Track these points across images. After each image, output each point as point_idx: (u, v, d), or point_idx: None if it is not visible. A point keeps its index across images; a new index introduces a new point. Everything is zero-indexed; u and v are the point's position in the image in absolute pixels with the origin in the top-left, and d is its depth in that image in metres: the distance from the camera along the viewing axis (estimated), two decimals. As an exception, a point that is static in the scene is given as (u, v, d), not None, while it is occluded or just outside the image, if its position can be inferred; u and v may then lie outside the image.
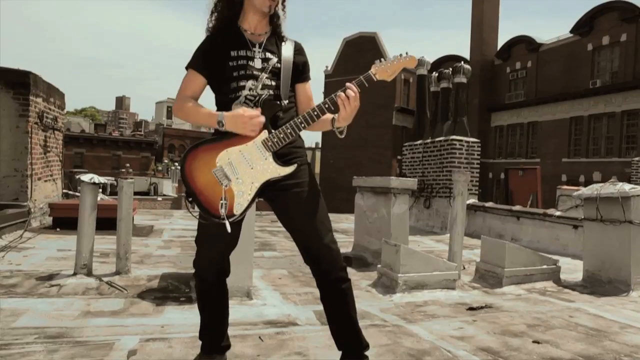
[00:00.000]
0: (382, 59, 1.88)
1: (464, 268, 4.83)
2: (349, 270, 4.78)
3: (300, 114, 1.98)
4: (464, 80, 8.33)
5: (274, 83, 1.91)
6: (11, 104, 6.34)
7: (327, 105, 1.81)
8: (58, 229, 6.42)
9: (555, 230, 6.28)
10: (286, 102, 1.92)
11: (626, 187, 4.10)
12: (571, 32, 24.44)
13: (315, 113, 1.81)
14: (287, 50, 1.98)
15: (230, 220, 1.79)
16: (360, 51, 33.27)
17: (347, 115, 1.83)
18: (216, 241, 1.91)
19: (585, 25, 23.63)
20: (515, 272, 4.24)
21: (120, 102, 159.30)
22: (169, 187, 29.11)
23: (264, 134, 1.82)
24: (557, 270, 4.45)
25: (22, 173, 6.40)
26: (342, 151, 32.39)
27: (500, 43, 28.95)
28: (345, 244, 6.43)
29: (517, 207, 7.05)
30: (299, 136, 1.91)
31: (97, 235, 4.18)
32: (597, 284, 4.31)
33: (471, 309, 3.50)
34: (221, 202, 1.78)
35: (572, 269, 5.18)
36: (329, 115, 1.86)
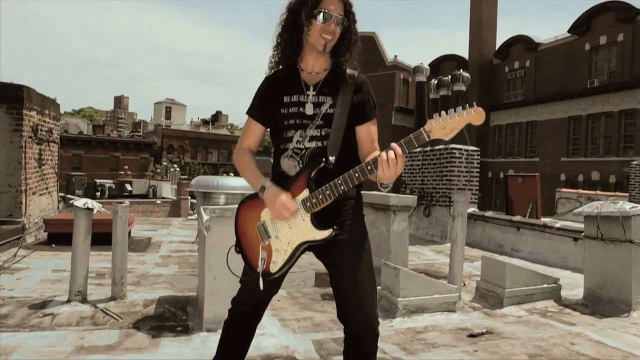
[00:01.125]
0: (443, 112, 1.60)
1: (464, 284, 4.78)
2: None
3: (362, 158, 1.85)
4: (463, 88, 8.28)
5: (324, 133, 1.78)
6: (4, 119, 6.28)
7: (369, 167, 1.65)
8: (53, 245, 6.36)
9: (555, 242, 6.23)
10: (333, 158, 1.74)
11: (626, 206, 4.05)
12: (569, 31, 24.44)
13: (357, 175, 1.66)
14: (345, 90, 1.81)
15: (266, 278, 1.77)
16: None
17: (387, 178, 1.65)
18: (254, 289, 1.82)
19: (583, 25, 23.63)
20: (516, 292, 4.19)
21: (119, 101, 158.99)
22: (168, 190, 29.03)
23: (305, 192, 1.72)
24: (558, 289, 4.40)
25: (16, 188, 6.34)
26: (341, 151, 32.28)
27: (499, 42, 28.96)
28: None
29: (517, 218, 7.00)
30: (354, 184, 1.70)
31: (92, 252, 4.12)
32: (597, 303, 4.26)
33: (472, 335, 3.45)
34: (261, 257, 1.78)
35: (573, 284, 5.13)
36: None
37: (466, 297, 4.47)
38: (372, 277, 1.88)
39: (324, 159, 1.74)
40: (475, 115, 1.55)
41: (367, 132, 1.87)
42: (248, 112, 1.92)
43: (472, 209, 8.02)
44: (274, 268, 1.78)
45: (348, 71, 1.85)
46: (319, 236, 1.73)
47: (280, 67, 1.90)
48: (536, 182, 8.26)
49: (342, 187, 1.68)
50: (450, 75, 8.58)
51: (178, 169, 37.40)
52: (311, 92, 1.82)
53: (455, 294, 3.98)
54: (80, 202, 3.89)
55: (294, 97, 1.82)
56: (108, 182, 26.83)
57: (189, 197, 28.60)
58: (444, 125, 1.58)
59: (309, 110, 1.80)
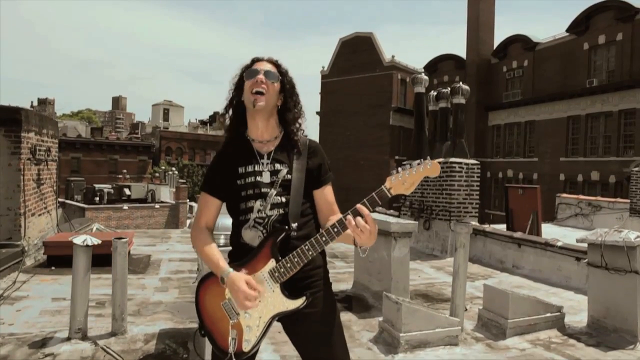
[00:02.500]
0: (399, 169, 1.65)
1: (466, 309, 4.75)
2: (350, 317, 4.73)
3: (322, 222, 1.87)
4: (463, 100, 8.22)
5: (284, 199, 1.78)
6: (2, 142, 6.22)
7: (336, 229, 1.64)
8: (52, 268, 6.32)
9: (557, 260, 6.20)
10: (295, 225, 1.75)
11: (631, 235, 4.02)
12: (567, 31, 24.36)
13: (324, 239, 1.65)
14: (299, 156, 1.83)
15: (239, 359, 1.71)
16: (356, 51, 33.14)
17: (366, 241, 1.63)
18: None
19: (581, 25, 23.55)
20: (519, 322, 4.17)
21: (117, 102, 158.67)
22: (166, 194, 28.97)
23: (272, 263, 1.70)
24: (562, 317, 4.38)
25: (15, 212, 6.29)
26: (340, 151, 32.30)
27: (497, 41, 28.88)
28: (345, 277, 6.35)
29: (519, 234, 6.97)
30: (319, 252, 1.70)
31: (92, 274, 4.08)
32: (602, 332, 4.23)
33: (476, 374, 3.43)
34: (230, 337, 1.70)
35: (576, 308, 5.11)
36: (349, 231, 1.64)
37: (468, 324, 4.45)
38: (346, 350, 1.87)
39: (286, 227, 1.74)
40: (430, 168, 1.64)
41: (325, 196, 1.89)
42: (202, 189, 1.89)
43: (473, 223, 7.99)
44: (247, 346, 1.71)
45: (300, 139, 1.87)
46: (291, 306, 1.71)
47: (230, 139, 1.89)
48: (537, 193, 8.23)
49: (310, 253, 1.68)
50: (450, 87, 8.52)
51: (177, 173, 37.31)
52: (265, 161, 1.82)
53: (457, 327, 3.95)
54: (79, 239, 3.85)
55: (249, 167, 1.81)
56: (107, 187, 26.73)
57: (187, 201, 28.57)
58: (403, 181, 1.64)
59: (266, 178, 1.80)
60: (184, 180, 35.01)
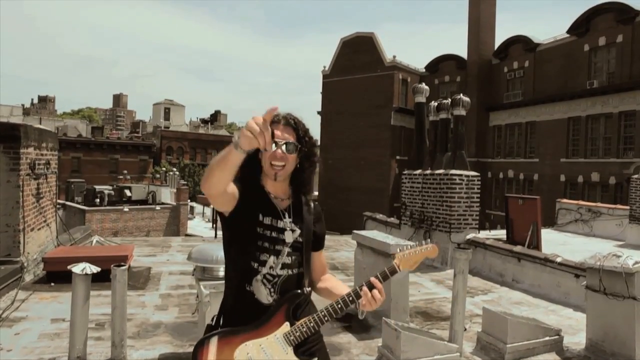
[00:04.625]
0: (405, 247, 1.88)
1: (465, 330, 4.76)
2: (349, 339, 4.73)
3: (315, 280, 1.95)
4: (463, 112, 8.20)
5: (294, 260, 1.81)
6: (1, 159, 6.22)
7: (350, 298, 1.73)
8: (52, 284, 6.33)
9: (556, 276, 6.20)
10: (308, 289, 1.85)
11: (629, 262, 4.01)
12: (568, 32, 24.31)
13: (339, 306, 1.73)
14: (307, 220, 1.86)
15: None
16: (357, 51, 33.08)
17: (370, 309, 1.75)
18: None
19: (582, 26, 23.50)
20: (518, 347, 4.18)
21: (118, 99, 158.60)
22: (167, 195, 28.99)
23: (286, 326, 1.73)
24: (560, 340, 4.38)
25: (14, 228, 6.29)
26: (341, 152, 32.32)
27: (498, 42, 28.83)
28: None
29: (518, 249, 6.96)
30: (338, 316, 1.84)
31: (92, 291, 4.07)
32: (600, 356, 4.24)
33: (474, 405, 3.43)
34: None
35: (575, 327, 5.12)
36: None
37: (467, 347, 4.46)
38: None
39: (298, 291, 1.79)
40: (430, 250, 1.90)
41: (320, 259, 1.97)
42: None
43: (473, 235, 7.99)
44: None
45: (309, 201, 1.92)
46: None
47: (244, 184, 1.77)
48: (537, 204, 8.23)
49: (326, 319, 1.73)
50: (451, 99, 8.50)
51: (177, 173, 37.32)
52: (287, 219, 1.81)
53: (456, 354, 3.95)
54: (78, 268, 3.85)
55: (268, 219, 1.78)
56: (107, 189, 26.76)
57: (188, 202, 28.59)
58: (409, 260, 1.86)
59: (289, 237, 1.80)
60: (185, 182, 35.00)
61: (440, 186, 8.10)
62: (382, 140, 31.83)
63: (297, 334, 1.71)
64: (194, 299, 5.75)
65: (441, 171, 8.21)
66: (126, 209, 24.30)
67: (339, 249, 10.02)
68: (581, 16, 23.46)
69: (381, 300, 1.74)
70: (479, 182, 8.09)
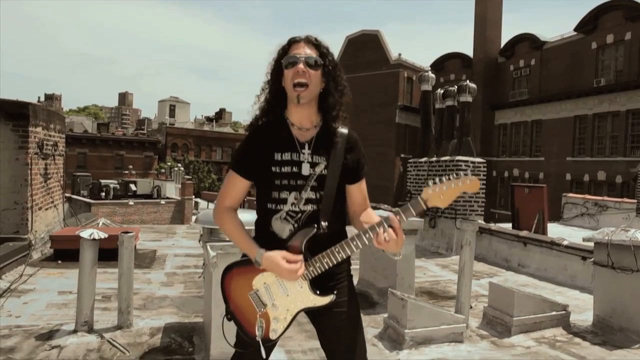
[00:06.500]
0: (437, 180, 1.61)
1: (471, 307, 4.74)
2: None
3: (353, 215, 1.86)
4: (470, 99, 8.19)
5: (318, 196, 1.72)
6: (10, 136, 6.26)
7: (368, 235, 1.64)
8: (59, 261, 6.36)
9: (563, 259, 6.18)
10: (325, 224, 1.70)
11: (638, 234, 4.00)
12: (575, 30, 24.22)
13: (355, 243, 1.66)
14: (337, 150, 1.74)
15: (266, 345, 1.72)
16: (362, 49, 33.10)
17: (392, 248, 1.63)
18: (257, 357, 1.78)
19: (589, 24, 23.42)
20: (524, 320, 4.15)
21: (123, 98, 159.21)
22: (172, 190, 29.08)
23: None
24: (567, 315, 4.36)
25: (23, 205, 6.33)
26: (345, 150, 32.23)
27: (504, 40, 28.76)
28: (349, 274, 6.35)
29: (524, 233, 6.94)
30: (353, 252, 1.70)
31: (98, 269, 4.10)
32: (607, 331, 4.22)
33: (480, 371, 3.42)
34: (257, 326, 1.71)
35: (582, 307, 5.09)
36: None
37: (473, 322, 4.44)
38: (363, 341, 1.89)
39: (316, 225, 1.70)
40: (470, 184, 1.58)
41: (360, 191, 1.84)
42: (233, 167, 1.79)
43: (479, 221, 7.96)
44: (274, 335, 1.73)
45: (339, 129, 1.77)
46: (319, 303, 1.71)
47: (267, 117, 1.78)
48: (543, 193, 8.20)
49: (340, 255, 1.67)
50: (457, 85, 8.49)
51: (182, 169, 37.43)
52: (307, 151, 1.72)
53: (462, 324, 3.94)
54: (86, 232, 3.87)
55: (286, 155, 1.71)
56: (113, 183, 26.89)
57: (193, 197, 28.65)
58: (440, 194, 1.59)
59: (305, 170, 1.71)
60: (190, 177, 35.12)
61: (447, 173, 8.01)
62: (386, 138, 31.81)
63: (311, 268, 1.68)
64: (199, 276, 5.77)
65: (447, 158, 8.20)
66: (131, 203, 24.39)
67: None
68: (589, 14, 23.37)
69: (396, 241, 1.59)
70: (485, 169, 8.07)
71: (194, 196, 29.59)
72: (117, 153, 46.47)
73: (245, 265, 1.76)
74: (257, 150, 1.74)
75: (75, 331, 3.86)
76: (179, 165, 39.54)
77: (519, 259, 6.92)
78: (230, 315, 1.77)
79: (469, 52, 29.47)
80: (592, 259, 4.43)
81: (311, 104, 1.73)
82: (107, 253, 5.50)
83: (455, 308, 4.22)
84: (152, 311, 4.61)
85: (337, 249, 1.67)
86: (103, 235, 3.95)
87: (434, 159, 8.51)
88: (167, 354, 3.58)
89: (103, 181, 27.16)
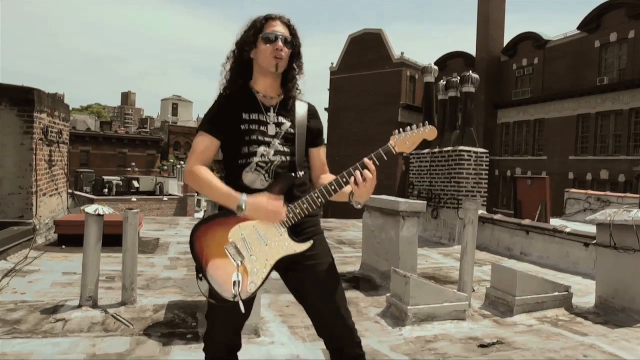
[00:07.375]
0: (401, 130, 1.81)
1: (474, 290, 4.76)
2: (357, 294, 4.75)
3: (315, 179, 1.97)
4: (472, 89, 8.21)
5: (287, 149, 1.85)
6: (16, 122, 6.30)
7: (344, 180, 1.72)
8: (63, 246, 6.40)
9: (565, 247, 6.18)
10: (302, 173, 1.86)
11: (641, 214, 4.00)
12: (578, 28, 24.17)
13: (333, 188, 1.72)
14: (301, 115, 1.92)
15: (244, 299, 1.70)
16: (365, 48, 33.08)
17: (364, 195, 1.74)
18: (228, 319, 1.83)
19: (593, 22, 23.36)
20: (527, 300, 4.17)
21: (126, 97, 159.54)
22: (175, 187, 29.15)
23: None
24: (569, 297, 4.37)
25: (27, 190, 6.37)
26: (348, 148, 32.26)
27: (507, 39, 28.71)
28: (352, 261, 6.38)
29: (527, 222, 6.95)
30: (331, 196, 1.77)
31: (102, 253, 4.13)
32: (610, 312, 4.23)
33: (483, 346, 3.44)
34: (234, 280, 1.67)
35: (584, 291, 5.10)
36: (347, 189, 1.75)
37: (476, 304, 4.45)
38: (342, 289, 1.92)
39: (292, 174, 1.81)
40: (429, 132, 1.83)
41: (319, 156, 2.00)
42: (202, 128, 1.85)
43: (481, 212, 7.97)
44: (252, 288, 1.71)
45: (300, 100, 1.95)
46: (299, 249, 1.75)
47: (234, 87, 1.90)
48: (546, 184, 8.20)
49: (319, 200, 1.74)
50: (460, 76, 8.50)
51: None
52: (272, 114, 1.86)
53: (465, 302, 3.96)
54: (91, 208, 3.90)
55: (254, 115, 1.83)
56: (116, 179, 26.97)
57: (196, 195, 28.69)
58: (405, 141, 1.79)
59: (271, 130, 1.84)
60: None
61: (449, 163, 8.10)
62: (389, 137, 31.70)
63: (291, 215, 1.72)
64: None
65: (450, 148, 8.22)
66: (134, 199, 24.45)
67: (346, 229, 10.03)
68: (592, 12, 23.33)
69: (372, 182, 1.71)
70: (488, 159, 8.08)
71: (196, 193, 29.63)
72: (120, 151, 46.56)
73: (220, 217, 1.76)
74: (226, 112, 1.84)
75: (80, 306, 3.89)
76: (182, 163, 39.60)
77: (521, 247, 6.93)
78: (202, 274, 1.72)
79: (472, 51, 29.44)
80: (595, 241, 4.43)
81: (278, 76, 1.89)
82: (112, 239, 5.52)
83: (458, 287, 4.24)
84: (156, 291, 4.64)
85: (316, 195, 1.73)
86: (108, 210, 4.00)
87: (437, 150, 8.52)
88: (171, 327, 3.61)
89: (106, 178, 27.24)
